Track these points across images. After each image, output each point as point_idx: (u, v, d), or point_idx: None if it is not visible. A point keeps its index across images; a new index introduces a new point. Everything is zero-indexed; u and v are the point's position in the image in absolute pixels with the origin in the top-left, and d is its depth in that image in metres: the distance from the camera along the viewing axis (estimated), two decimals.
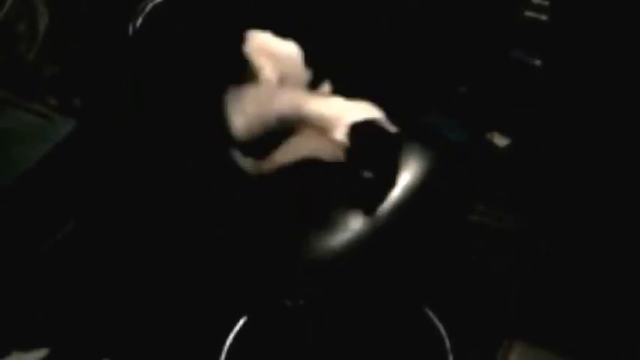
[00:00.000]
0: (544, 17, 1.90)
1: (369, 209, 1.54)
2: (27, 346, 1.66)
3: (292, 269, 1.52)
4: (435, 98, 1.93)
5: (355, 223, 1.54)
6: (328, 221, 1.55)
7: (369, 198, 1.55)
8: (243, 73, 1.64)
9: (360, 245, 1.56)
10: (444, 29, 1.95)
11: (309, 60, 1.66)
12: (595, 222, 1.83)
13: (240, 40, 1.62)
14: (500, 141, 1.88)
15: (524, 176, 1.90)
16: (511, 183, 1.88)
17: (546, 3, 1.93)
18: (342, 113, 1.55)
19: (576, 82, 1.92)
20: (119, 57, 1.82)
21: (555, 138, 1.94)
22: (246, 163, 1.62)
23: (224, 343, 1.66)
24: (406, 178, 1.60)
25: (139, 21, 1.69)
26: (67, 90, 2.09)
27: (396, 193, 1.59)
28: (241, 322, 1.65)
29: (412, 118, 1.75)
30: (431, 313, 1.66)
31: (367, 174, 1.54)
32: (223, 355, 1.64)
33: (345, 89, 1.61)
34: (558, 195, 1.89)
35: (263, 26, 1.63)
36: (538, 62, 1.94)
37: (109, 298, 1.80)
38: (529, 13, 1.92)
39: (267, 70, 1.62)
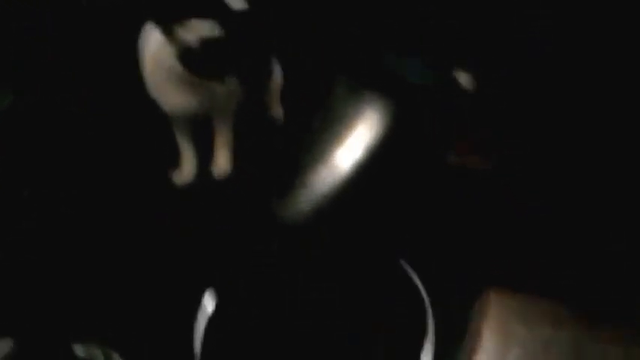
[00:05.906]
0: None
1: None
2: None
3: (262, 230, 1.47)
4: (393, 35, 1.83)
5: (321, 184, 1.48)
6: (294, 182, 1.49)
7: None
8: None
9: (329, 204, 1.50)
10: None
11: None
12: (579, 162, 1.75)
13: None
14: (467, 80, 1.78)
15: (496, 115, 1.81)
16: (484, 123, 1.79)
17: None
18: None
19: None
20: (70, 27, 1.76)
21: (531, 69, 1.85)
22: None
23: (198, 304, 1.59)
24: (366, 131, 1.52)
25: None
26: (5, 61, 2.00)
27: (358, 150, 1.51)
28: (210, 290, 1.57)
29: (370, 61, 1.66)
30: (407, 267, 1.59)
31: None
32: (201, 317, 1.57)
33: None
34: (537, 133, 1.81)
35: None
36: None
37: (70, 279, 1.73)
38: None
39: None
